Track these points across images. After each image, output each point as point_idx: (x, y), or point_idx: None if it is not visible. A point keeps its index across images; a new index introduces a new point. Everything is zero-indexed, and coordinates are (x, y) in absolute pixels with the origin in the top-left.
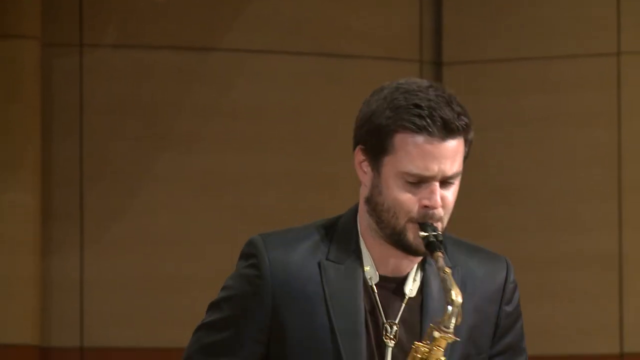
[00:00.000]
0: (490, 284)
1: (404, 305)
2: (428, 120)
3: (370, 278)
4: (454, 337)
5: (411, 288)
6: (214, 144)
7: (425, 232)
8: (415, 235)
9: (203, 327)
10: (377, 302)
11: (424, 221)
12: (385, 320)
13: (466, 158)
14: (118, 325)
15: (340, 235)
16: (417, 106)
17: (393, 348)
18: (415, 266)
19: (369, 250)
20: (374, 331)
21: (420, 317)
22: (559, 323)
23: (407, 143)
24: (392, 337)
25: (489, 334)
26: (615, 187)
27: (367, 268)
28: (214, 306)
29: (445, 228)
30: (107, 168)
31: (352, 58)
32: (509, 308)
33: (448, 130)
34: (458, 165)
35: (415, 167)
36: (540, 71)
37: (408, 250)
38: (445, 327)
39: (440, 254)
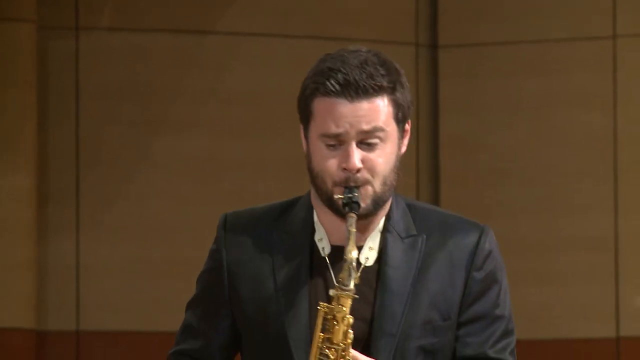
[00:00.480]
0: (458, 251)
1: (358, 274)
2: (339, 82)
3: (322, 248)
4: (353, 295)
5: (367, 257)
6: (211, 129)
7: (341, 194)
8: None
9: (189, 305)
10: (330, 271)
11: (347, 184)
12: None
13: (403, 120)
14: (114, 309)
15: (296, 209)
16: (330, 69)
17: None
18: (376, 234)
19: (321, 222)
20: (326, 300)
21: (376, 285)
22: (555, 306)
23: (321, 106)
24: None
25: (455, 300)
26: (611, 170)
27: (320, 238)
28: (197, 280)
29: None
30: (103, 152)
31: (349, 41)
32: (479, 275)
33: (357, 91)
34: (376, 121)
35: (328, 128)
36: (537, 54)
37: (339, 213)
38: (344, 285)
39: (353, 214)
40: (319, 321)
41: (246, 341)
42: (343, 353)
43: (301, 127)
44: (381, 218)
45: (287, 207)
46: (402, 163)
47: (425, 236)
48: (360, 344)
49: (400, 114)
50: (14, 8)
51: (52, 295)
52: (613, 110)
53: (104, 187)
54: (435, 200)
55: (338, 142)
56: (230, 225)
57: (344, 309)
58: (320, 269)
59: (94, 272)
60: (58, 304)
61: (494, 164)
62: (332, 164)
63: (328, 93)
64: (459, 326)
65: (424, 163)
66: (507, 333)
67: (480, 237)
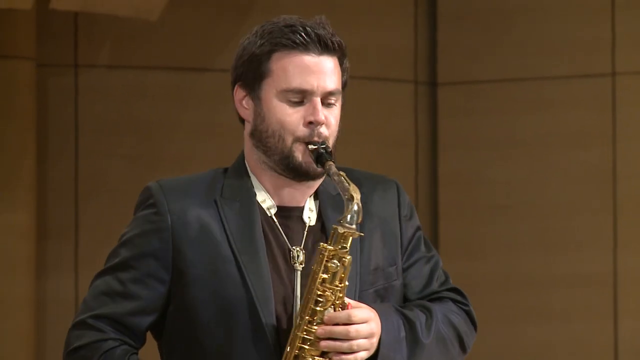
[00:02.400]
0: (386, 203)
1: (305, 232)
2: (303, 35)
3: (268, 209)
4: (358, 233)
5: (309, 216)
6: (208, 164)
7: (314, 145)
8: (303, 155)
9: (101, 275)
10: (279, 230)
11: (311, 139)
12: (290, 247)
13: (344, 87)
14: None
15: (230, 177)
16: (290, 26)
17: (301, 272)
18: (311, 197)
19: (262, 185)
20: (281, 258)
21: (326, 238)
22: (554, 343)
23: (284, 61)
24: (299, 262)
25: (396, 247)
26: (610, 206)
27: (263, 200)
28: (111, 255)
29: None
30: (102, 187)
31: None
32: (410, 222)
33: (323, 46)
34: (337, 83)
35: (294, 82)
36: (536, 91)
37: (299, 171)
38: (348, 223)
39: (331, 162)
40: (320, 261)
41: (192, 309)
42: (340, 295)
43: (244, 91)
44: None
45: (216, 176)
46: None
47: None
48: None
49: (345, 81)
50: (13, 45)
51: (50, 331)
52: (612, 147)
53: (102, 222)
54: (434, 236)
55: (301, 98)
56: (167, 190)
57: (346, 248)
58: (271, 229)
59: None
60: (56, 340)
61: (493, 200)
62: (294, 119)
63: (293, 47)
64: (403, 271)
65: (423, 199)
66: (439, 266)
67: (398, 189)
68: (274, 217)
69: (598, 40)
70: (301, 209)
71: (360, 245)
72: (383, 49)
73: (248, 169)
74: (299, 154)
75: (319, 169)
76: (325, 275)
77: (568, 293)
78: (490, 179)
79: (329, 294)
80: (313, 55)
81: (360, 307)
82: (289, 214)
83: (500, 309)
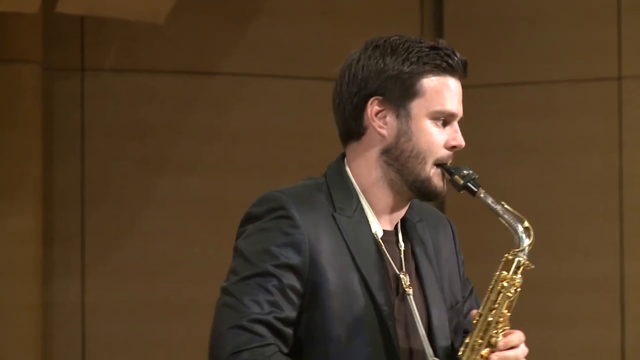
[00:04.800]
0: (446, 235)
1: (402, 256)
2: (455, 60)
3: (376, 232)
4: (531, 265)
5: (401, 240)
6: (215, 168)
7: (464, 171)
8: (440, 180)
9: (243, 280)
10: (385, 254)
11: (446, 162)
12: (397, 271)
13: None
14: (120, 350)
15: (336, 192)
16: (436, 48)
17: (412, 296)
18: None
19: (370, 205)
20: (388, 282)
21: (416, 265)
22: (561, 348)
23: (438, 83)
24: (408, 285)
25: (459, 282)
26: (617, 211)
27: (372, 222)
28: (244, 264)
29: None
30: (108, 191)
31: None
32: (461, 256)
33: (465, 71)
34: None
35: (447, 105)
36: (541, 96)
37: (430, 195)
38: (523, 253)
39: (483, 191)
40: (500, 289)
41: (324, 323)
42: (507, 322)
43: (384, 106)
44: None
45: (321, 188)
46: None
47: (424, 222)
48: (425, 324)
49: None
50: (20, 49)
51: (57, 336)
52: (618, 151)
53: (109, 226)
54: None
55: (445, 122)
56: (296, 202)
57: (521, 278)
58: (378, 252)
59: (99, 313)
60: (64, 345)
61: None
62: (439, 141)
63: (446, 70)
64: (463, 304)
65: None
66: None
67: (451, 224)
68: (380, 240)
69: (604, 44)
70: (395, 232)
71: (441, 282)
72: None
73: (355, 185)
74: (437, 178)
75: (445, 193)
76: (500, 303)
77: (574, 298)
78: (496, 183)
79: (502, 320)
80: (457, 79)
81: (516, 331)
82: (388, 238)
83: None
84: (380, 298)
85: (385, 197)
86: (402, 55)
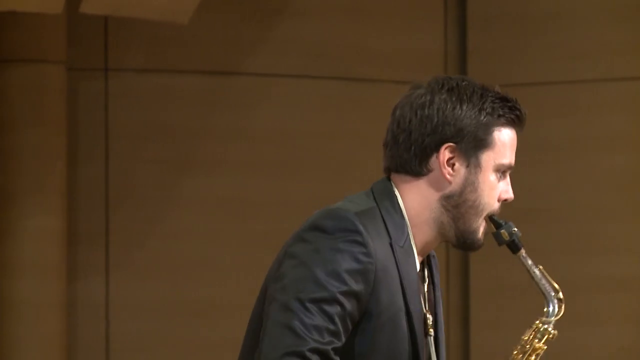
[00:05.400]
0: (436, 269)
1: (426, 296)
2: (523, 114)
3: (417, 267)
4: (555, 335)
5: (427, 275)
6: (238, 169)
7: (513, 228)
8: (483, 232)
9: (303, 302)
10: (423, 290)
11: (495, 214)
12: (425, 311)
13: None
14: (143, 349)
15: (390, 221)
16: (507, 100)
17: (432, 338)
18: None
19: (415, 240)
20: (422, 320)
21: (434, 306)
22: (583, 346)
23: (505, 136)
24: (431, 325)
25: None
26: (639, 210)
27: (415, 256)
28: (310, 281)
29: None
30: (132, 192)
31: (376, 82)
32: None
33: (525, 124)
34: None
35: (510, 159)
36: (564, 95)
37: (473, 246)
38: (553, 324)
39: (524, 250)
40: (525, 353)
41: (366, 352)
42: None
43: (455, 153)
44: None
45: (377, 213)
46: None
47: (431, 259)
48: None
49: None
50: (44, 49)
51: (81, 336)
52: None
53: (133, 226)
54: None
55: (504, 174)
56: (367, 227)
57: (544, 347)
58: (418, 287)
59: (123, 312)
60: (88, 344)
61: (522, 204)
62: (496, 194)
63: (514, 125)
64: None
65: None
66: None
67: (434, 255)
68: (418, 276)
69: (627, 44)
70: (422, 268)
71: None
72: (413, 53)
73: (406, 218)
74: (482, 230)
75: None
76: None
77: (596, 298)
78: (519, 182)
79: None
80: (519, 133)
81: None
82: (421, 273)
83: (529, 313)
84: (417, 336)
85: (428, 236)
86: (477, 105)
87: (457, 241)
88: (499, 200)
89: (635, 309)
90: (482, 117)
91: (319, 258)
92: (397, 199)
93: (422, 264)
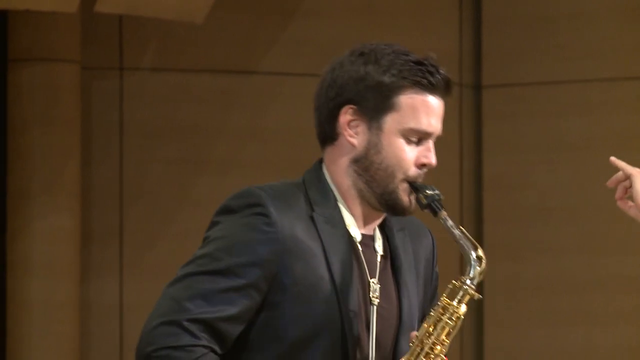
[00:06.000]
0: (426, 247)
1: (378, 263)
2: (437, 78)
3: (354, 236)
4: (478, 295)
5: (379, 246)
6: (253, 168)
7: (428, 190)
8: (407, 195)
9: (195, 275)
10: (362, 259)
11: (416, 180)
12: (369, 279)
13: None
14: None
15: (315, 194)
16: (420, 63)
17: (376, 307)
18: (375, 228)
19: (349, 209)
20: (361, 288)
21: (394, 275)
22: (598, 346)
23: (415, 100)
24: (376, 295)
25: (426, 293)
26: None
27: (349, 225)
28: (206, 256)
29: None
30: (146, 191)
31: None
32: (436, 269)
33: (447, 89)
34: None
35: (420, 124)
36: (580, 94)
37: (397, 209)
38: (472, 283)
39: (445, 212)
40: (438, 314)
41: (285, 323)
42: (444, 349)
43: (357, 116)
44: None
45: (299, 189)
46: (447, 202)
47: (406, 231)
48: (391, 334)
49: None
50: (59, 49)
51: (95, 335)
52: None
53: (147, 226)
54: (479, 239)
55: (418, 139)
56: (274, 200)
57: (465, 307)
58: (355, 257)
59: (137, 312)
60: (101, 343)
61: (537, 203)
62: (410, 158)
63: (426, 87)
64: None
65: (468, 202)
66: None
67: (432, 238)
68: (358, 245)
69: None
70: (373, 237)
71: (418, 292)
72: (426, 52)
73: (334, 189)
74: (404, 193)
75: (413, 210)
76: (438, 330)
77: (613, 297)
78: (535, 182)
79: (439, 348)
80: (437, 97)
81: None
82: (367, 242)
83: (543, 312)
84: (346, 304)
85: (357, 204)
86: (383, 66)
87: (381, 206)
88: (417, 166)
89: None
90: (387, 79)
91: (220, 235)
92: (323, 174)
93: (375, 234)
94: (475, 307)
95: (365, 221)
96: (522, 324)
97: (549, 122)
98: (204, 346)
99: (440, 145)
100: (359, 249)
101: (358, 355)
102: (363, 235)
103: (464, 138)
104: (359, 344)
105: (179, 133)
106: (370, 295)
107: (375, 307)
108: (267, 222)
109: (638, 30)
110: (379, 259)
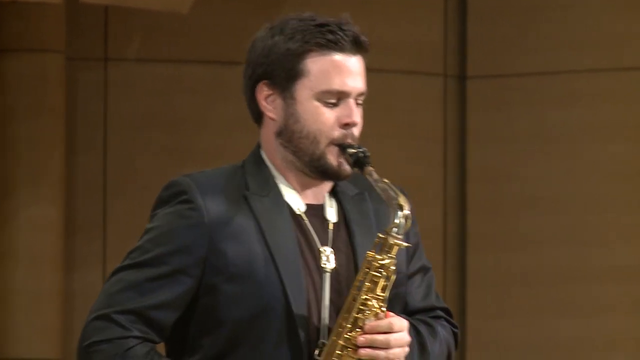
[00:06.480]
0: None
1: (330, 230)
2: (340, 35)
3: (297, 208)
4: (406, 244)
5: (331, 214)
6: (239, 159)
7: (352, 149)
8: (336, 158)
9: (125, 268)
10: (309, 229)
11: (344, 141)
12: (319, 247)
13: None
14: None
15: (252, 173)
16: (324, 25)
17: (330, 273)
18: (328, 194)
19: (288, 182)
20: (311, 258)
21: (349, 240)
22: (585, 337)
23: (322, 62)
24: (328, 262)
25: (403, 253)
26: None
27: (290, 198)
28: (135, 250)
29: None
30: (130, 182)
31: (376, 72)
32: (415, 229)
33: (358, 45)
34: (365, 87)
35: (334, 84)
36: (566, 85)
37: (329, 173)
38: (396, 233)
39: (372, 168)
40: (366, 269)
41: (226, 306)
42: (382, 304)
43: (271, 89)
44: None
45: (236, 171)
46: (430, 193)
47: (366, 194)
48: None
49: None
50: (43, 39)
51: (78, 326)
52: None
53: (131, 217)
54: (463, 230)
55: (337, 99)
56: (200, 185)
57: (393, 258)
58: (300, 228)
59: None
60: None
61: (522, 194)
62: (330, 121)
63: (330, 47)
64: (408, 278)
65: (452, 193)
66: (434, 278)
67: (405, 194)
68: (303, 216)
69: (629, 33)
70: (322, 206)
71: None
72: (413, 43)
73: (270, 165)
74: (332, 156)
75: (350, 172)
76: (369, 284)
77: (599, 288)
78: (519, 172)
79: (371, 302)
80: (349, 55)
81: (396, 316)
82: (315, 212)
83: (529, 304)
84: (290, 277)
85: (294, 175)
86: (288, 35)
87: (314, 173)
88: (340, 126)
89: (637, 299)
90: (291, 46)
91: (152, 227)
92: (259, 153)
93: (326, 202)
94: (458, 298)
95: (310, 191)
96: (506, 316)
97: (534, 112)
98: (135, 337)
99: (425, 135)
100: (303, 220)
101: (312, 324)
102: (310, 205)
103: (448, 128)
104: (309, 313)
105: (164, 124)
106: (321, 263)
107: (327, 274)
108: (191, 207)
109: (624, 21)
110: (331, 226)
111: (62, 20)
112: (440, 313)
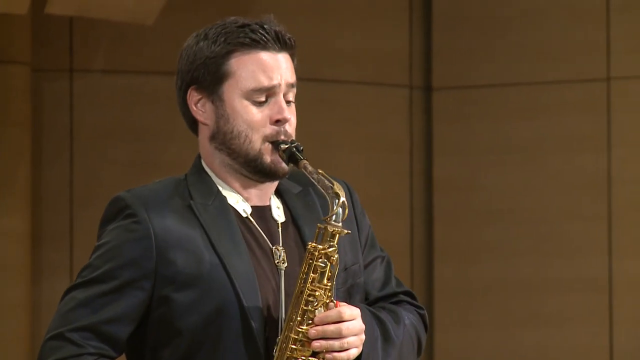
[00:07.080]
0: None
1: (280, 230)
2: (262, 33)
3: (243, 210)
4: (345, 231)
5: (278, 214)
6: None
7: (284, 144)
8: (271, 156)
9: (77, 287)
10: (258, 230)
11: (277, 138)
12: (271, 246)
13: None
14: None
15: (194, 182)
16: (245, 25)
17: (285, 271)
18: (273, 195)
19: (230, 186)
20: (264, 258)
21: (300, 238)
22: (549, 348)
23: (245, 61)
24: (282, 260)
25: (356, 244)
26: (605, 211)
27: (235, 202)
28: (85, 269)
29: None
30: (97, 193)
31: (341, 83)
32: (364, 220)
33: (282, 42)
34: (294, 79)
35: (258, 82)
36: (531, 96)
37: (266, 172)
38: (335, 221)
39: (306, 161)
40: (309, 260)
41: (179, 315)
42: (329, 294)
43: (200, 94)
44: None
45: (179, 182)
46: (397, 204)
47: (310, 189)
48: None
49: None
50: (8, 50)
51: None
52: (607, 152)
53: (97, 229)
54: (429, 241)
55: (265, 97)
56: (142, 199)
57: (335, 246)
58: (248, 231)
59: None
60: None
61: (488, 205)
62: (261, 118)
63: (253, 46)
64: (364, 269)
65: (418, 204)
66: (392, 265)
67: (349, 188)
68: (250, 218)
69: (593, 44)
70: (269, 207)
71: None
72: (378, 54)
73: (210, 173)
74: (267, 154)
75: (287, 168)
76: (314, 275)
77: (563, 298)
78: (485, 183)
79: (319, 293)
80: (273, 52)
81: (347, 304)
82: (261, 213)
83: (494, 314)
84: (242, 281)
85: (235, 178)
86: (211, 39)
87: (252, 174)
88: (272, 123)
89: (601, 310)
90: (216, 49)
91: (100, 244)
92: (201, 162)
93: (272, 203)
94: (426, 309)
95: (254, 194)
96: (472, 327)
97: (500, 124)
98: (89, 353)
99: (391, 146)
100: (251, 222)
101: (271, 323)
102: (255, 207)
103: (414, 139)
104: (268, 312)
105: (129, 135)
106: (275, 262)
107: (282, 271)
108: (136, 221)
109: (588, 32)
110: (279, 226)
111: (28, 31)
112: (403, 297)
